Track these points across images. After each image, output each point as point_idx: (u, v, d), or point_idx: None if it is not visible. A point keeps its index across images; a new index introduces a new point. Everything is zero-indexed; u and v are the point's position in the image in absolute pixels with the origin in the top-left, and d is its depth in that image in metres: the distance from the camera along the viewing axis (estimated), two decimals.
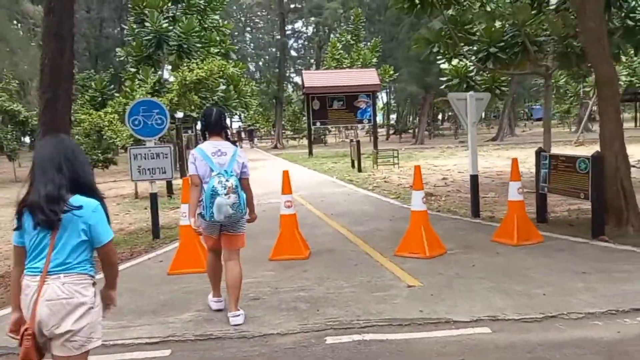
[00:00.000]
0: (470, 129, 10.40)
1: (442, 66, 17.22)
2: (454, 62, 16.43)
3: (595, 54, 8.55)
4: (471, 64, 16.30)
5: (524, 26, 12.95)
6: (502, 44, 13.68)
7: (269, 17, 63.69)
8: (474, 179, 10.31)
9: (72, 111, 9.86)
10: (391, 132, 56.94)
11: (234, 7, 56.96)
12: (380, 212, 10.81)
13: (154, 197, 9.70)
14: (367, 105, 29.86)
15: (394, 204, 11.86)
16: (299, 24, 65.01)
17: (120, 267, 7.24)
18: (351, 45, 38.84)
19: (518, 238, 7.17)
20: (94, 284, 2.76)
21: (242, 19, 64.98)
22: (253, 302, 5.39)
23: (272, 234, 8.07)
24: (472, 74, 17.32)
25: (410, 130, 55.57)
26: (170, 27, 21.46)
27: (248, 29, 66.90)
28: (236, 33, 54.67)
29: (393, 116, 63.48)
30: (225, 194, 4.56)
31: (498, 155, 25.69)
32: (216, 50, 24.11)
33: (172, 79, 19.77)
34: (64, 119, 9.54)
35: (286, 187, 7.19)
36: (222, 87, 21.86)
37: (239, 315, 4.82)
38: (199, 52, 22.51)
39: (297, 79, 65.92)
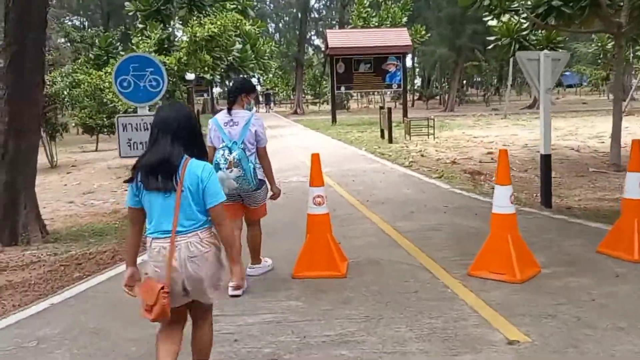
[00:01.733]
0: (543, 96, 8.31)
1: (490, 23, 14.92)
2: (504, 18, 14.13)
3: None
4: (523, 20, 14.00)
5: None
6: None
7: None
8: (546, 160, 8.27)
9: (45, 68, 7.87)
10: (416, 97, 54.36)
11: None
12: (428, 198, 8.76)
13: None
14: (396, 68, 27.36)
15: (441, 187, 9.81)
16: None
17: (92, 282, 5.35)
18: (379, 2, 35.96)
19: None
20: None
21: None
22: None
23: (296, 232, 6.17)
24: (525, 32, 15.00)
25: (437, 97, 52.96)
26: None
27: None
28: None
29: (416, 81, 60.68)
30: (227, 168, 4.45)
31: None
32: (232, 7, 21.91)
33: (182, 36, 17.71)
34: (33, 78, 7.53)
35: (316, 176, 5.17)
36: (238, 46, 19.71)
37: (252, 267, 5.12)
38: (213, 8, 20.34)
39: (318, 42, 63.26)
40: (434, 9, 40.25)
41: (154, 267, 2.81)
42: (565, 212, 7.65)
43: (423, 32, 33.07)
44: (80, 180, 13.74)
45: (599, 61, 31.82)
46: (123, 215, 9.53)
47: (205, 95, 33.14)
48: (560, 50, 16.03)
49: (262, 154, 4.79)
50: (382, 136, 19.55)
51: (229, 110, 4.79)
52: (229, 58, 19.07)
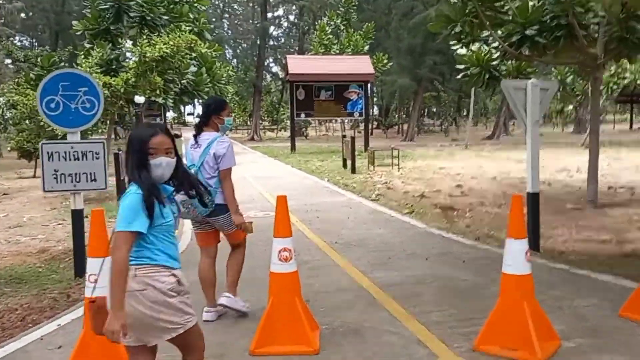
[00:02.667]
0: (530, 128, 7.54)
1: (459, 52, 14.30)
2: (473, 47, 13.55)
3: None
4: (495, 50, 13.44)
5: (572, 4, 10.16)
6: (539, 26, 10.89)
7: (249, 4, 60.23)
8: (534, 199, 7.50)
9: None
10: (374, 126, 54.12)
11: None
12: (404, 240, 7.76)
13: (77, 217, 6.52)
14: (358, 96, 26.66)
15: (416, 227, 8.84)
16: (280, 12, 61.74)
17: None
18: (341, 30, 35.40)
19: None
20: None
21: (220, 4, 61.43)
22: None
23: (254, 287, 5.09)
24: (496, 62, 14.44)
25: (395, 126, 52.88)
26: None
27: (226, 15, 63.32)
28: (213, 19, 51.19)
29: (374, 110, 60.61)
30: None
31: (507, 157, 22.85)
32: (188, 28, 20.80)
33: (132, 57, 16.47)
34: None
35: (282, 224, 4.09)
36: (193, 68, 18.56)
37: (227, 296, 4.54)
38: (167, 29, 19.19)
39: (276, 69, 62.76)
40: (394, 39, 40.12)
41: None
42: (559, 259, 6.81)
43: (385, 61, 32.60)
44: (8, 211, 12.22)
45: (558, 94, 31.95)
46: (51, 255, 8.21)
47: (157, 119, 31.62)
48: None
49: (222, 177, 4.49)
50: (345, 166, 18.65)
51: (197, 133, 4.60)
52: (182, 81, 17.91)
